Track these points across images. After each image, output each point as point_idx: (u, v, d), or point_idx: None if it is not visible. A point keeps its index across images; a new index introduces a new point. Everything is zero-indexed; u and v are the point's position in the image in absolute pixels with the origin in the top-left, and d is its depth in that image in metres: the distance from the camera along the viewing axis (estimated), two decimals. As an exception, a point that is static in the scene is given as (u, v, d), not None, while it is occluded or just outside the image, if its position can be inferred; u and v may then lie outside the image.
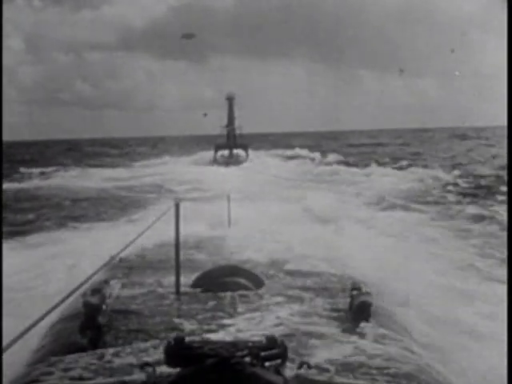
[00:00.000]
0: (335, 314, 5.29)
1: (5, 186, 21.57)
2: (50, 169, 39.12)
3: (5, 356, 2.53)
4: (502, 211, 14.22)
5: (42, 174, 36.45)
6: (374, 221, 13.70)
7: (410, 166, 32.79)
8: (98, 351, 4.42)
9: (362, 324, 4.92)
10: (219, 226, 11.14)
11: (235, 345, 3.65)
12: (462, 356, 5.15)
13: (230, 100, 47.57)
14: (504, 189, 17.08)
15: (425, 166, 32.07)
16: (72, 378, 3.99)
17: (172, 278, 6.44)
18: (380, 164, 34.98)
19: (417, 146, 58.29)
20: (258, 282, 6.51)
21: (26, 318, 2.97)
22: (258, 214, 13.20)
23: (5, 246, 7.98)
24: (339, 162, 40.28)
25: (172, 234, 6.36)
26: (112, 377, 3.97)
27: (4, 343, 2.51)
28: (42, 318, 2.81)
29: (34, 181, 31.62)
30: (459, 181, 24.11)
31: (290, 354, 3.83)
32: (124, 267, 7.60)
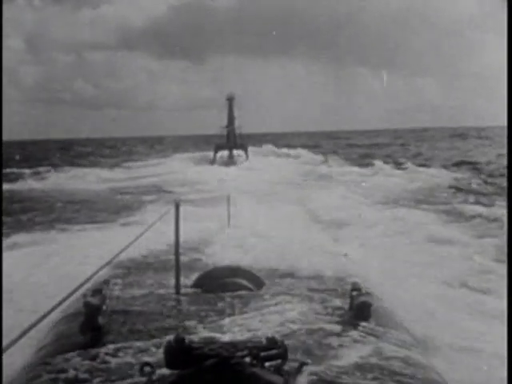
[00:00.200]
0: (335, 315, 5.29)
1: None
2: (41, 169, 38.34)
3: (5, 356, 2.53)
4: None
5: (34, 174, 35.72)
6: (377, 221, 13.58)
7: (417, 165, 32.61)
8: (98, 351, 4.42)
9: (362, 324, 4.92)
10: (217, 229, 11.01)
11: (235, 345, 3.65)
12: (463, 356, 5.15)
13: (230, 100, 47.59)
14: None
15: (428, 166, 32.04)
16: (72, 379, 4.00)
17: (172, 279, 6.45)
18: (385, 163, 34.85)
19: (418, 146, 58.27)
20: (258, 283, 6.51)
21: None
22: (258, 215, 13.15)
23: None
24: (340, 162, 40.32)
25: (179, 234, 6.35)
26: (112, 377, 3.97)
27: (4, 343, 2.52)
28: (42, 319, 2.81)
29: (26, 181, 30.96)
30: (472, 181, 24.00)
31: (290, 355, 3.83)
32: (124, 267, 7.61)
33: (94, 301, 5.08)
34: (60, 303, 3.00)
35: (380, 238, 11.66)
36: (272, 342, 3.71)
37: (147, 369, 3.80)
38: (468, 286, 8.07)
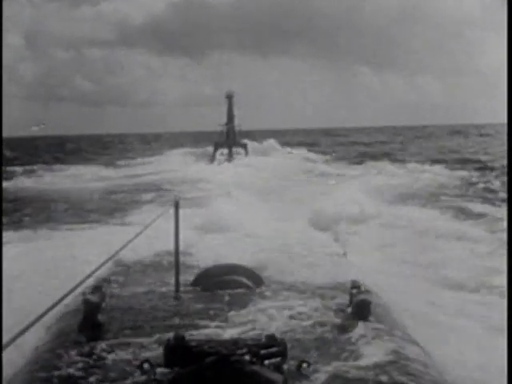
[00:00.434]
0: (335, 313, 5.29)
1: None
2: (34, 167, 37.75)
3: (4, 354, 2.53)
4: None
5: (26, 172, 34.69)
6: (380, 218, 13.44)
7: (421, 163, 32.48)
8: (98, 349, 4.42)
9: (362, 322, 4.92)
10: (213, 230, 10.89)
11: (235, 343, 3.66)
12: (463, 354, 5.14)
13: (230, 98, 47.54)
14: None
15: (434, 163, 31.91)
16: (71, 376, 4.00)
17: (172, 277, 6.45)
18: (390, 161, 34.74)
19: (420, 143, 58.17)
20: (257, 281, 6.51)
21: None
22: (255, 215, 13.07)
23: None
24: (340, 159, 40.33)
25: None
26: (111, 374, 3.97)
27: (3, 341, 2.51)
28: (41, 316, 2.81)
29: (18, 179, 29.96)
30: (482, 179, 23.89)
31: (290, 352, 3.84)
32: (124, 266, 7.60)
33: (94, 298, 5.08)
34: (59, 301, 3.00)
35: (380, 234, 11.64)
36: (271, 340, 3.72)
37: (147, 366, 3.81)
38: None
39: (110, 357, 4.30)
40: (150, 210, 14.20)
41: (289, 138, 72.05)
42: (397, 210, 15.11)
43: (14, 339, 2.48)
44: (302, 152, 47.84)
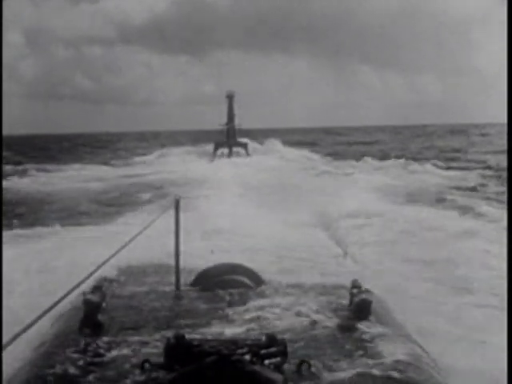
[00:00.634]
0: (335, 312, 5.29)
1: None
2: (25, 166, 37.45)
3: (4, 354, 2.53)
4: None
5: (17, 172, 34.01)
6: (383, 217, 13.37)
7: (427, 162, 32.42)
8: (98, 349, 4.42)
9: (362, 322, 4.92)
10: (213, 231, 10.84)
11: (235, 343, 3.66)
12: (463, 353, 5.14)
13: (230, 98, 47.63)
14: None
15: (434, 163, 31.87)
16: (72, 376, 4.00)
17: (172, 277, 6.45)
18: (392, 160, 34.68)
19: (421, 143, 58.12)
20: (258, 280, 6.51)
21: None
22: (258, 216, 13.05)
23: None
24: (341, 159, 40.30)
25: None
26: (111, 374, 3.97)
27: (3, 341, 2.51)
28: (41, 316, 2.81)
29: (9, 180, 28.98)
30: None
31: (290, 352, 3.83)
32: (124, 265, 7.59)
33: (94, 298, 5.08)
34: (60, 301, 3.00)
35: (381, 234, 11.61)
36: (272, 340, 3.72)
37: (147, 366, 3.81)
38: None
39: (111, 356, 4.29)
40: (149, 211, 14.17)
41: (289, 136, 72.00)
42: (400, 208, 15.10)
43: (13, 339, 2.48)
44: (303, 152, 47.85)
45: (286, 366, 3.71)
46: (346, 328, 4.84)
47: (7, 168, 35.01)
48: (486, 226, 12.37)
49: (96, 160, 45.35)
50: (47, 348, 4.65)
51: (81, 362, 4.18)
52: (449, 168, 30.69)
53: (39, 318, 2.75)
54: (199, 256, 8.07)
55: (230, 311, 5.38)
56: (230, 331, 4.80)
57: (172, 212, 6.33)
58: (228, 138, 46.53)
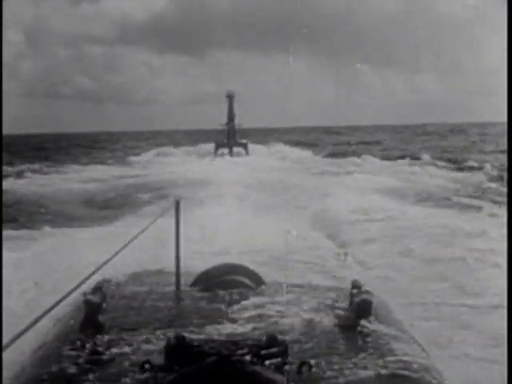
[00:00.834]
0: (336, 313, 5.28)
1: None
2: (24, 166, 37.33)
3: (5, 354, 2.52)
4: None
5: (12, 173, 33.19)
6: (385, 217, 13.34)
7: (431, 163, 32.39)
8: (98, 349, 4.42)
9: (363, 322, 4.92)
10: (212, 231, 10.82)
11: (235, 343, 3.65)
12: (464, 353, 5.13)
13: (230, 98, 47.64)
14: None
15: (433, 162, 31.80)
16: (72, 376, 3.99)
17: (172, 277, 6.44)
18: (393, 160, 34.62)
19: (422, 142, 58.00)
20: (258, 281, 6.50)
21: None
22: (258, 216, 13.02)
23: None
24: (341, 158, 40.26)
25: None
26: (112, 375, 3.97)
27: (3, 342, 2.51)
28: (41, 317, 2.81)
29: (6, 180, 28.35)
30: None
31: (291, 353, 3.83)
32: (125, 265, 7.59)
33: (95, 299, 5.08)
34: (60, 301, 3.00)
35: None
36: (272, 341, 3.71)
37: (147, 366, 3.80)
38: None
39: (111, 356, 4.29)
40: (149, 212, 14.15)
41: (289, 136, 71.97)
42: (402, 208, 15.09)
43: (14, 340, 2.48)
44: (303, 151, 47.82)
45: (286, 367, 3.70)
46: (347, 328, 4.84)
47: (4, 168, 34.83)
48: (490, 225, 12.38)
49: (95, 161, 45.22)
50: (48, 348, 4.65)
51: (81, 363, 4.18)
52: (450, 168, 30.66)
53: (39, 318, 2.74)
54: (199, 258, 8.08)
55: (230, 311, 5.38)
56: (230, 331, 4.80)
57: (172, 212, 6.33)
58: (228, 138, 46.55)
